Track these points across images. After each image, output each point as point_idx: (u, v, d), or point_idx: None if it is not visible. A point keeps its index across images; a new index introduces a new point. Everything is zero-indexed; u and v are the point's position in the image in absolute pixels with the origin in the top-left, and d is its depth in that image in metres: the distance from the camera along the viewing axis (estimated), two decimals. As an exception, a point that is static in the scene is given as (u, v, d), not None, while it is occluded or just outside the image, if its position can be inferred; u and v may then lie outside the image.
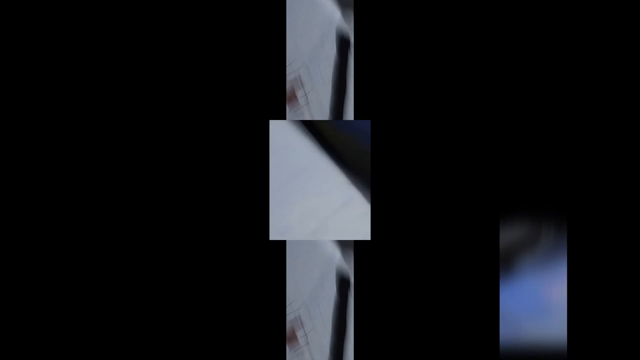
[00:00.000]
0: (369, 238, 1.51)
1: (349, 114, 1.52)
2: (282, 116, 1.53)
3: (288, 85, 1.53)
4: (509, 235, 1.48)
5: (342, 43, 1.53)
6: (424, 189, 1.52)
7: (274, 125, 1.53)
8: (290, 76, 1.53)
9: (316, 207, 1.51)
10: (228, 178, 1.52)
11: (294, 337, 1.51)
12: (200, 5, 1.54)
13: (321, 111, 1.53)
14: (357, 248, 1.52)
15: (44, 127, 1.51)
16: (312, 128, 1.54)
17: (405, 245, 1.51)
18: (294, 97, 1.53)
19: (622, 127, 1.51)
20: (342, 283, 1.52)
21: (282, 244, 1.52)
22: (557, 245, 1.47)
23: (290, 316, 1.51)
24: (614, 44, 1.52)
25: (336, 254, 1.52)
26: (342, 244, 1.52)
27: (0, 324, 1.51)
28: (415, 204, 1.52)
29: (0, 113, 1.50)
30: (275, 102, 1.53)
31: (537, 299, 1.48)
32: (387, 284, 1.51)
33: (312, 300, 1.51)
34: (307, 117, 1.53)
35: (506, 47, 1.52)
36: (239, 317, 1.52)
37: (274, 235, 1.51)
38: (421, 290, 1.51)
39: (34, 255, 1.51)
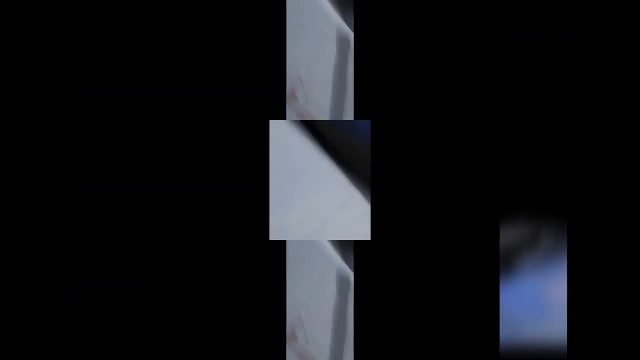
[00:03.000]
0: (369, 238, 1.51)
1: (349, 114, 1.52)
2: (282, 116, 1.53)
3: (288, 86, 1.53)
4: (509, 235, 1.48)
5: (342, 43, 1.53)
6: (424, 188, 1.52)
7: (274, 125, 1.53)
8: (290, 76, 1.53)
9: (316, 207, 1.51)
10: (228, 178, 1.52)
11: (294, 336, 1.51)
12: (200, 5, 1.54)
13: (321, 111, 1.53)
14: (357, 248, 1.52)
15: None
16: (312, 128, 1.54)
17: (405, 245, 1.51)
18: (294, 97, 1.53)
19: (622, 127, 1.51)
20: (342, 283, 1.52)
21: (282, 244, 1.52)
22: (558, 246, 1.47)
23: (290, 316, 1.51)
24: (613, 44, 1.52)
25: (336, 254, 1.52)
26: (342, 244, 1.52)
27: None
28: (415, 204, 1.52)
29: None
30: (275, 102, 1.53)
31: (537, 300, 1.48)
32: (387, 284, 1.51)
33: (312, 300, 1.51)
34: (308, 117, 1.53)
35: (506, 47, 1.52)
36: (238, 317, 1.52)
37: (274, 235, 1.51)
38: (421, 290, 1.51)
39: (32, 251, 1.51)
